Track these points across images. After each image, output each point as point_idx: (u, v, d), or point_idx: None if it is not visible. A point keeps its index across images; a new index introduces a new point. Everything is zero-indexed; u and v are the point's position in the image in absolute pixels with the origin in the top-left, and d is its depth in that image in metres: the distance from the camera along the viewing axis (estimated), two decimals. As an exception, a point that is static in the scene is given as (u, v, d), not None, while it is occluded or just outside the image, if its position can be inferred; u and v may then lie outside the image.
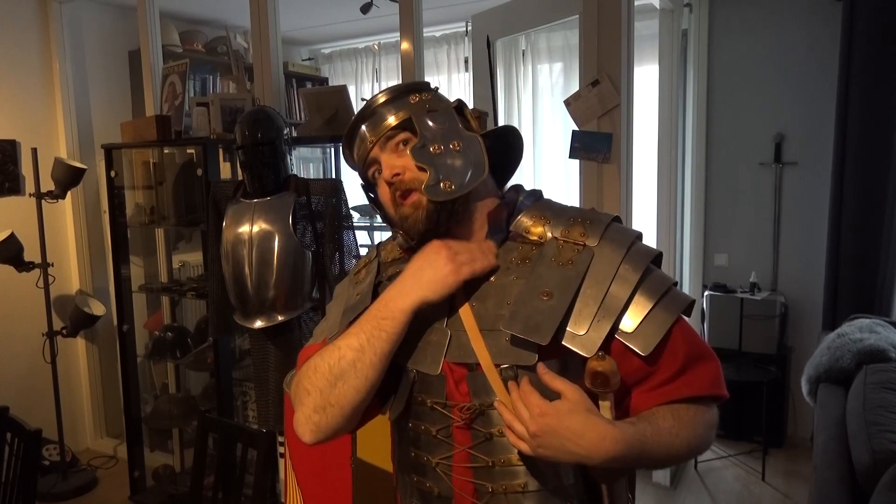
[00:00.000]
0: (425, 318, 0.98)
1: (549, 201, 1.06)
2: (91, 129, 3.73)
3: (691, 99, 3.85)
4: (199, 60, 3.97)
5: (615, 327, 0.91)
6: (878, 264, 3.27)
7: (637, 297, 0.92)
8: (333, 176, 3.49)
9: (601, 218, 0.99)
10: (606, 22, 2.28)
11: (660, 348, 0.91)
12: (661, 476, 3.32)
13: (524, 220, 1.01)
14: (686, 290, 3.96)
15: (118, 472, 3.55)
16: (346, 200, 2.61)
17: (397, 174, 0.99)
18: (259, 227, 2.45)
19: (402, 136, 1.01)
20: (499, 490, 0.95)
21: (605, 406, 0.89)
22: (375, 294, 1.05)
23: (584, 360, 0.89)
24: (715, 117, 3.86)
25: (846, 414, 2.23)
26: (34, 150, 3.25)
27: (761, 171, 3.77)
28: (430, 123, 1.01)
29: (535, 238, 0.99)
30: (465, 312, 0.97)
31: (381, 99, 1.05)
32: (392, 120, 1.02)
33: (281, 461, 2.36)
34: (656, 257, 0.98)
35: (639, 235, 1.00)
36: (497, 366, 0.93)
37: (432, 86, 1.10)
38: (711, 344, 3.75)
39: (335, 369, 0.96)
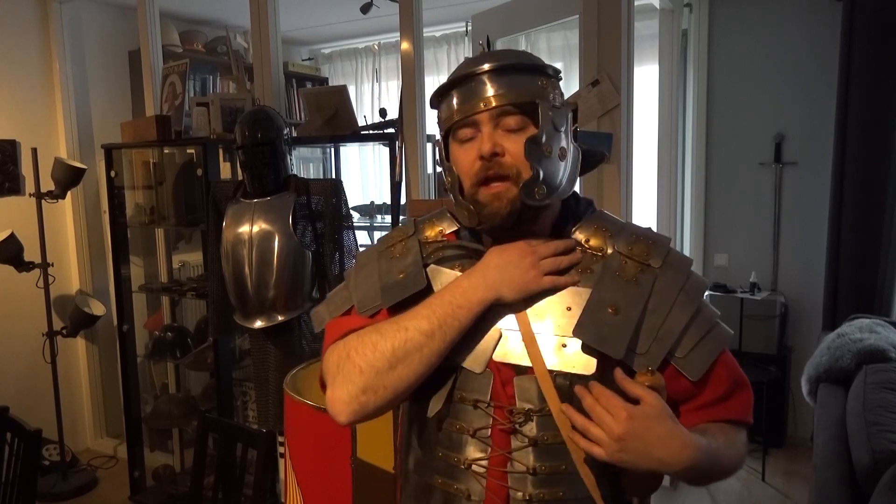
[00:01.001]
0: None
1: (603, 213, 1.06)
2: (91, 129, 3.73)
3: (691, 99, 3.85)
4: (199, 60, 3.97)
5: (670, 351, 0.94)
6: (878, 264, 3.27)
7: (691, 328, 0.95)
8: (333, 176, 3.49)
9: (662, 240, 1.01)
10: (606, 22, 2.28)
11: (706, 375, 0.96)
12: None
13: (583, 230, 1.01)
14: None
15: (118, 472, 3.55)
16: (346, 200, 2.61)
17: (497, 153, 0.93)
18: (259, 227, 2.45)
19: (518, 118, 0.94)
20: (536, 497, 0.93)
21: None
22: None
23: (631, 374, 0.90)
24: (715, 117, 3.86)
25: (846, 414, 2.23)
26: (34, 150, 3.25)
27: (761, 171, 3.77)
28: (552, 121, 0.95)
29: (594, 249, 0.99)
30: (521, 314, 0.95)
31: (515, 61, 0.97)
32: (517, 96, 0.93)
33: (281, 461, 2.36)
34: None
35: (691, 262, 1.03)
36: (550, 372, 0.92)
37: (560, 74, 1.03)
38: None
39: (399, 351, 0.91)
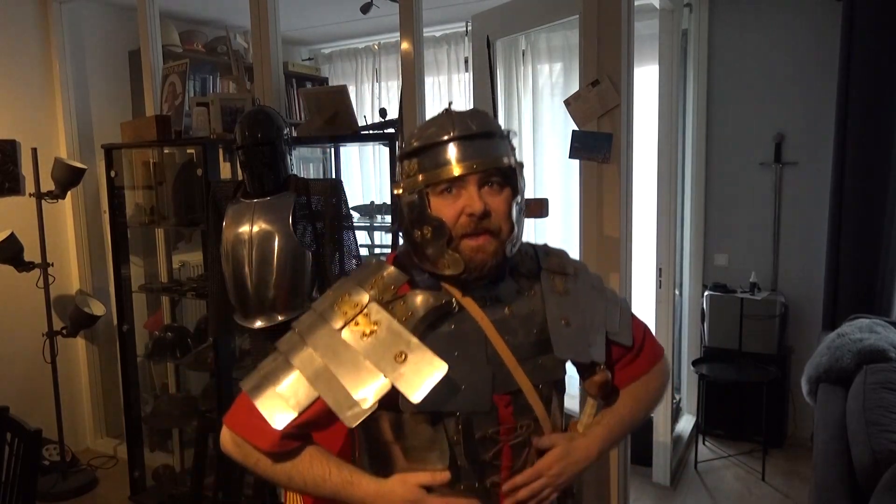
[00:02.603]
0: (461, 357, 1.07)
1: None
2: (91, 129, 3.73)
3: (691, 99, 3.85)
4: (199, 60, 3.97)
5: (606, 333, 1.20)
6: (878, 264, 3.27)
7: (609, 310, 1.22)
8: (333, 176, 3.49)
9: (560, 251, 1.26)
10: (606, 22, 2.28)
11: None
12: (661, 476, 3.32)
13: (516, 258, 1.16)
14: (686, 290, 3.96)
15: (118, 472, 3.55)
16: (346, 200, 2.61)
17: (487, 213, 1.04)
18: (259, 227, 2.45)
19: (500, 179, 1.07)
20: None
21: (592, 404, 1.21)
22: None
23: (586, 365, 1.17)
24: (715, 117, 3.86)
25: (846, 414, 2.23)
26: (34, 150, 3.25)
27: (761, 171, 3.77)
28: (523, 183, 1.12)
29: (527, 271, 1.18)
30: (502, 349, 1.10)
31: (493, 129, 1.09)
32: (506, 161, 1.08)
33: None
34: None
35: (580, 262, 1.28)
36: (535, 386, 1.13)
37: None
38: (711, 344, 3.78)
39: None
